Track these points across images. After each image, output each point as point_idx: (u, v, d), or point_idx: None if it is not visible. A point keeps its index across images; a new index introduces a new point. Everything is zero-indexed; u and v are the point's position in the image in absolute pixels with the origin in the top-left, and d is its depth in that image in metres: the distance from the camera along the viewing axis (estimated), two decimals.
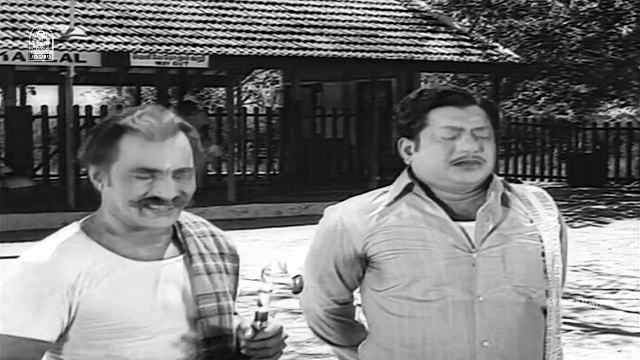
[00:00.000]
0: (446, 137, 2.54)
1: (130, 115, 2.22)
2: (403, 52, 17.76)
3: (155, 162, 2.18)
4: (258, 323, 2.22)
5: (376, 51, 17.56)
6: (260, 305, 2.21)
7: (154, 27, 16.44)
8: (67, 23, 15.48)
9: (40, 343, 2.16)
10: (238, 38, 16.69)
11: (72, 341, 2.21)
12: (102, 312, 2.19)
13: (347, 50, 17.25)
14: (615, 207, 17.02)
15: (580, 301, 8.77)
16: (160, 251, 2.29)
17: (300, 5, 18.83)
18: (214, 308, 2.31)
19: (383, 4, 19.87)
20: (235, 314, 2.41)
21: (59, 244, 2.22)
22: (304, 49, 16.84)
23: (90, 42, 15.28)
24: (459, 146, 2.53)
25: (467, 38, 19.17)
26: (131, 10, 16.96)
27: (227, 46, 16.31)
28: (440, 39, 18.70)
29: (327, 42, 17.33)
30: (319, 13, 18.67)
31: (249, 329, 2.26)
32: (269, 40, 16.89)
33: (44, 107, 18.60)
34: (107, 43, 15.40)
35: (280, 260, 2.22)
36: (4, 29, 15.08)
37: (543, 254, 2.59)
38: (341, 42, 17.50)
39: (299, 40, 17.12)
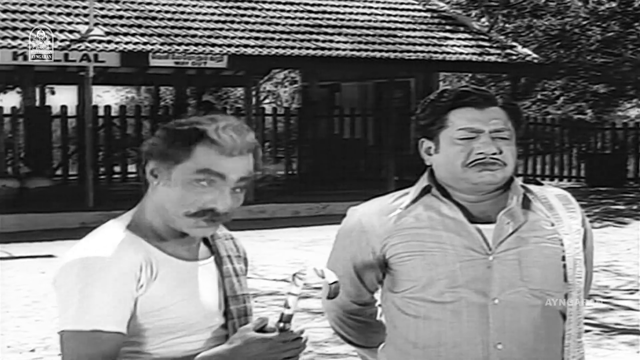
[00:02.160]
0: (464, 139, 2.52)
1: (214, 123, 2.23)
2: (421, 52, 17.73)
3: (222, 169, 2.21)
4: (282, 324, 2.23)
5: (394, 51, 17.54)
6: (287, 307, 2.21)
7: (172, 27, 16.48)
8: (87, 23, 15.53)
9: (120, 336, 2.15)
10: (256, 38, 16.71)
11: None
12: (159, 309, 2.21)
13: (366, 50, 17.24)
14: (635, 207, 16.92)
15: (603, 302, 8.72)
16: (196, 252, 2.33)
17: (319, 5, 18.84)
18: (242, 309, 2.38)
19: (402, 3, 19.85)
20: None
21: (118, 240, 2.21)
22: (323, 49, 16.84)
23: (109, 42, 15.33)
24: (477, 148, 2.51)
25: (486, 38, 19.13)
26: (150, 11, 17.01)
27: (245, 46, 16.33)
28: (458, 38, 18.67)
29: (346, 42, 17.33)
30: (337, 13, 18.67)
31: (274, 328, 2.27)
32: (287, 40, 16.90)
33: (63, 107, 18.65)
34: (126, 43, 15.44)
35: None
36: (23, 29, 15.14)
37: (563, 258, 2.55)
38: (359, 42, 17.49)
39: (317, 40, 17.12)
